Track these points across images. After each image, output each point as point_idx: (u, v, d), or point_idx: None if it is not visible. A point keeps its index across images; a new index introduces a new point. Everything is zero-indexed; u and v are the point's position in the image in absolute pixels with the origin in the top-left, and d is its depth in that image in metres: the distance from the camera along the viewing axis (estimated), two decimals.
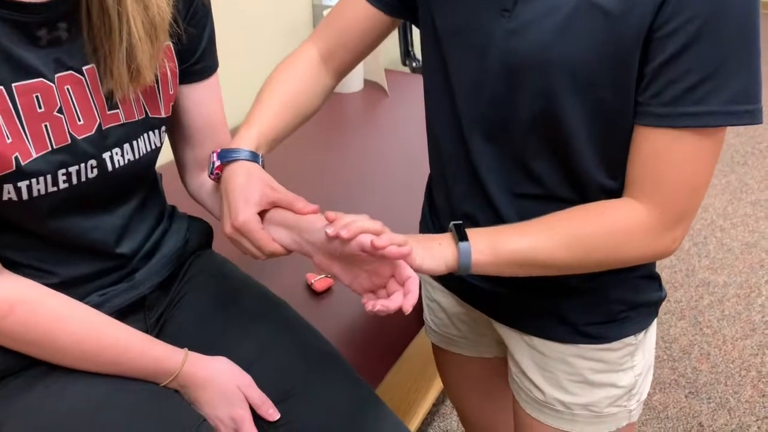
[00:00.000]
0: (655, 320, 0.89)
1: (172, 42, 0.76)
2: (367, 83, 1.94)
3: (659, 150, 0.69)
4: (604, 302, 0.82)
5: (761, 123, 0.68)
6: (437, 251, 0.70)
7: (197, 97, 0.84)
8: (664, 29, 0.62)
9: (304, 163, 1.53)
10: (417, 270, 0.68)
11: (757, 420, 1.78)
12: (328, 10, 1.80)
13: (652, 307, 0.86)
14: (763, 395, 1.86)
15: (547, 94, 0.69)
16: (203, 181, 0.88)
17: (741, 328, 2.13)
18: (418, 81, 2.03)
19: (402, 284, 0.66)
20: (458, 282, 0.88)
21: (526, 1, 0.69)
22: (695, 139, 0.67)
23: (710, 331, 2.12)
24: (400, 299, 0.64)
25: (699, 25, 0.61)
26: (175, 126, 0.84)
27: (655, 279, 0.86)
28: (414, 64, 2.23)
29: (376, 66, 1.90)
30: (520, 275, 0.75)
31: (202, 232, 0.92)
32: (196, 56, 0.81)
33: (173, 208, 0.90)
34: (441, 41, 0.77)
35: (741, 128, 3.56)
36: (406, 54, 2.24)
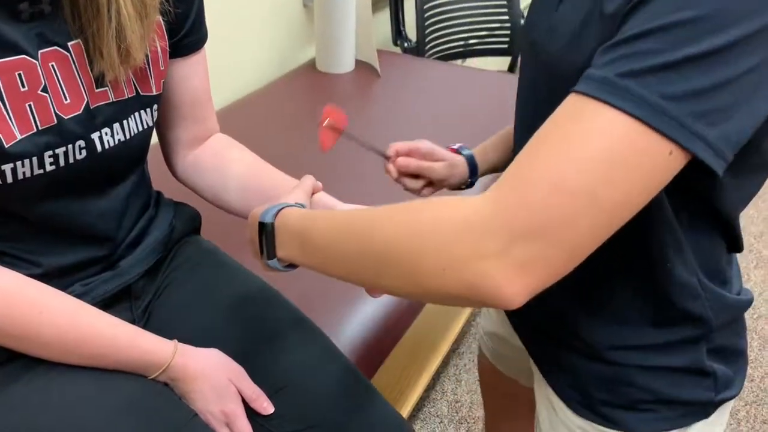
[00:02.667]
0: (713, 418, 0.70)
1: (162, 17, 0.72)
2: (359, 64, 1.90)
3: (549, 123, 0.50)
4: (626, 383, 0.67)
5: (684, 147, 0.49)
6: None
7: (184, 71, 0.80)
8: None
9: (293, 145, 1.50)
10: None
11: None
12: None
13: (694, 407, 0.68)
14: None
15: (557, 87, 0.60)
16: (192, 161, 0.85)
17: None
18: (410, 61, 2.02)
19: None
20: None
21: None
22: (597, 119, 0.47)
23: (754, 328, 1.94)
24: None
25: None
26: (160, 105, 0.80)
27: (707, 376, 0.67)
28: (406, 44, 2.19)
29: (368, 46, 1.85)
30: (332, 270, 0.60)
31: (188, 219, 0.89)
32: (184, 30, 0.77)
33: (159, 193, 0.87)
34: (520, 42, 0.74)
35: None
36: (398, 33, 2.19)
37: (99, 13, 0.63)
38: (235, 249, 0.96)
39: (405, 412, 1.47)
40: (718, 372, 0.67)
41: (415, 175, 0.88)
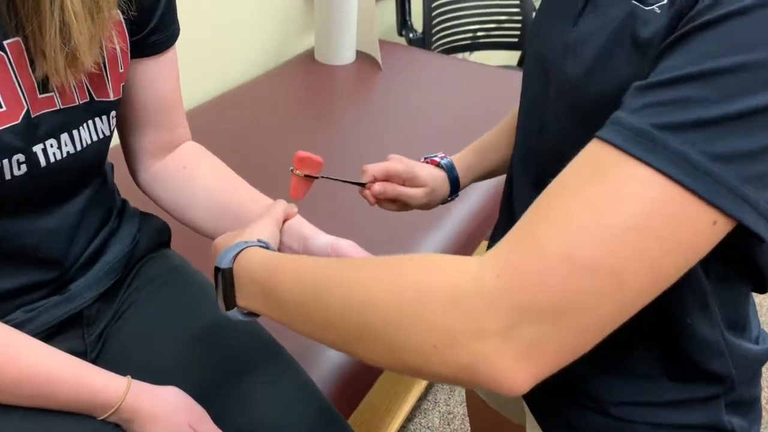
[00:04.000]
0: None
1: (121, 12, 0.63)
2: (360, 55, 1.80)
3: (569, 172, 0.43)
4: None
5: (740, 218, 0.41)
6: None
7: (149, 73, 0.71)
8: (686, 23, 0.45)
9: (290, 139, 1.41)
10: None
11: None
12: None
13: None
14: None
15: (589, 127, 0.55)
16: (156, 172, 0.76)
17: None
18: (415, 54, 1.92)
19: None
20: None
21: (589, 7, 0.55)
22: (629, 177, 0.39)
23: None
24: None
25: (716, 14, 0.41)
26: (122, 107, 0.71)
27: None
28: (411, 35, 2.09)
29: (369, 36, 1.76)
30: (297, 327, 0.52)
31: (155, 232, 0.80)
32: (150, 27, 0.67)
33: (124, 203, 0.78)
34: (525, 53, 0.67)
35: None
36: (403, 24, 2.09)
37: (39, 7, 0.54)
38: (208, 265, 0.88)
39: (396, 423, 1.41)
40: (736, 427, 0.61)
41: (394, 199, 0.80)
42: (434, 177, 0.82)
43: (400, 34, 2.12)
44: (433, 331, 0.41)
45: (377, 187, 0.77)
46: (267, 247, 0.60)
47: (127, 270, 0.75)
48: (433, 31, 2.14)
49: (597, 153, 0.41)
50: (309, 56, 1.79)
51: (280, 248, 0.67)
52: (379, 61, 1.74)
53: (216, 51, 1.59)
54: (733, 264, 0.54)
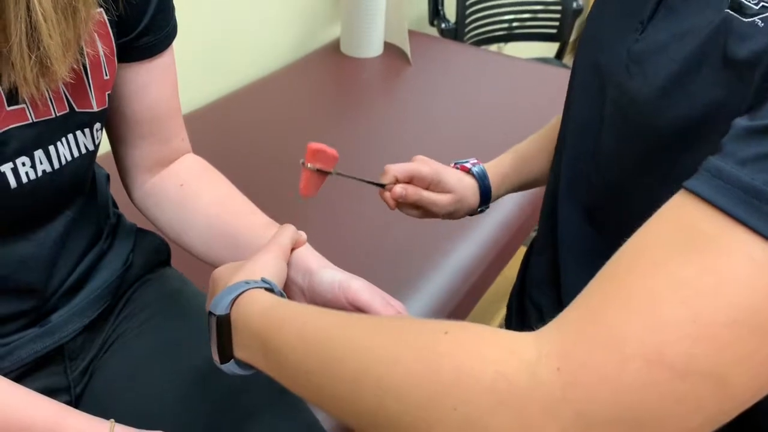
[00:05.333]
0: None
1: (105, 10, 0.55)
2: (388, 47, 1.71)
3: (655, 232, 0.34)
4: None
5: None
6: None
7: (141, 80, 0.62)
8: None
9: (312, 134, 1.33)
10: None
11: None
12: None
13: None
14: None
15: (656, 152, 0.46)
16: (151, 189, 0.68)
17: None
18: (446, 46, 1.82)
19: None
20: None
21: (660, 13, 0.47)
22: (731, 242, 0.31)
23: None
24: None
25: None
26: (110, 118, 0.63)
27: None
28: (443, 26, 1.98)
29: (398, 28, 1.66)
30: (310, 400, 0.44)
31: (153, 251, 0.72)
32: (140, 27, 0.59)
33: (119, 219, 0.70)
34: (575, 63, 0.59)
35: None
36: (435, 13, 1.99)
37: (3, 7, 0.46)
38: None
39: None
40: None
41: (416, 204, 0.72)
42: (463, 184, 0.74)
43: (432, 24, 2.02)
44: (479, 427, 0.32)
45: (398, 189, 0.69)
46: (272, 289, 0.51)
47: (118, 296, 0.68)
48: (467, 21, 2.03)
49: (691, 214, 0.32)
50: (335, 48, 1.70)
51: (286, 282, 0.59)
52: (409, 54, 1.65)
53: (239, 42, 1.51)
54: None
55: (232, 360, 0.50)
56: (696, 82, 0.42)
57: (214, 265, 0.66)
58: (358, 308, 0.56)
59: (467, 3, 2.00)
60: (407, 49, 1.65)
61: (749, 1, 0.40)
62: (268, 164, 1.22)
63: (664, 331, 0.30)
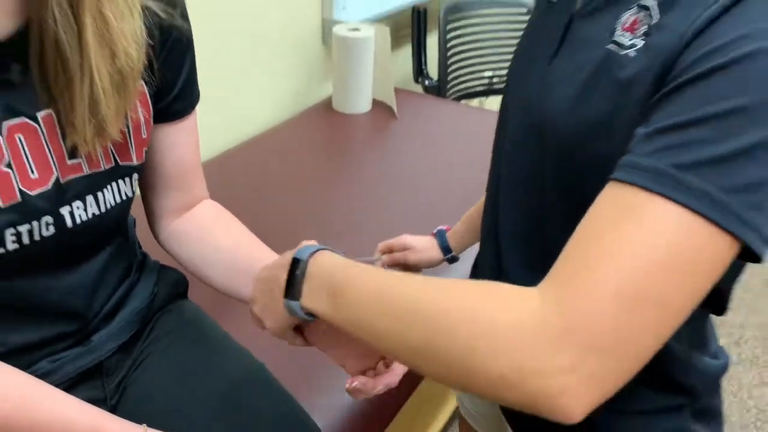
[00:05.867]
0: None
1: (145, 83, 0.68)
2: (376, 103, 1.85)
3: (601, 215, 0.48)
4: None
5: (747, 239, 0.47)
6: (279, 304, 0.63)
7: (170, 138, 0.75)
8: (676, 78, 0.50)
9: (308, 186, 1.46)
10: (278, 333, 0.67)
11: None
12: (338, 25, 1.72)
13: None
14: None
15: (565, 164, 0.60)
16: (175, 230, 0.80)
17: (758, 373, 2.02)
18: (430, 102, 1.97)
19: (387, 364, 0.68)
20: None
21: (565, 48, 0.62)
22: (655, 214, 0.45)
23: (725, 376, 2.02)
24: (382, 379, 0.66)
25: (707, 68, 0.48)
26: (143, 170, 0.75)
27: None
28: (427, 83, 2.14)
29: (385, 86, 1.81)
30: (371, 340, 0.55)
31: (173, 284, 0.84)
32: (171, 96, 0.72)
33: (144, 257, 0.82)
34: (504, 97, 0.74)
35: None
36: (419, 72, 2.15)
37: (71, 84, 0.58)
38: (226, 315, 0.92)
39: None
40: None
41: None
42: (425, 246, 1.04)
43: (417, 82, 2.18)
44: (501, 364, 0.45)
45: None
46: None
47: (145, 322, 0.79)
48: (449, 78, 2.19)
49: (622, 195, 0.47)
50: (327, 105, 1.84)
51: None
52: (395, 109, 1.79)
53: (237, 100, 1.65)
54: (712, 303, 0.59)
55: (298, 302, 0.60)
56: (593, 99, 0.56)
57: (229, 296, 0.78)
58: None
59: (449, 61, 2.17)
60: (394, 105, 1.80)
61: (623, 39, 0.55)
62: (268, 217, 1.34)
63: (619, 276, 0.44)
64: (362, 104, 1.80)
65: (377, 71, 1.80)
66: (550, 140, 0.62)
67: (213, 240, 0.79)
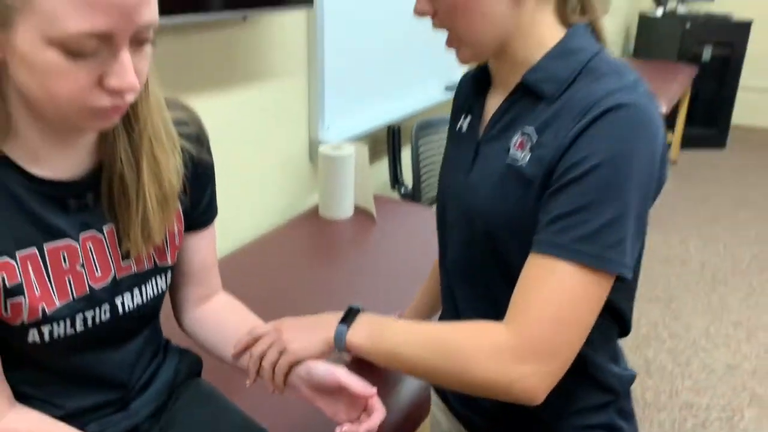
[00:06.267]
0: None
1: (180, 202, 0.89)
2: (357, 210, 2.08)
3: (530, 275, 0.76)
4: None
5: (613, 271, 0.74)
6: (322, 332, 0.87)
7: (195, 244, 0.96)
8: (555, 182, 0.77)
9: (298, 287, 1.64)
10: (307, 356, 0.88)
11: None
12: (323, 145, 1.98)
13: None
14: None
15: (493, 238, 0.85)
16: (196, 317, 0.99)
17: None
18: (406, 206, 2.21)
19: (366, 408, 0.86)
20: (454, 406, 1.03)
21: (478, 163, 0.88)
22: (561, 271, 0.73)
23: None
24: (365, 425, 0.84)
25: (575, 173, 0.75)
26: (172, 269, 0.95)
27: (619, 429, 0.91)
28: (402, 190, 2.39)
29: (365, 194, 2.05)
30: (394, 368, 0.83)
31: (191, 364, 1.01)
32: (198, 212, 0.93)
33: (167, 341, 1.00)
34: (440, 192, 0.99)
35: (721, 248, 3.70)
36: (395, 180, 2.40)
37: (129, 206, 0.79)
38: (234, 391, 1.09)
39: None
40: (624, 428, 0.92)
41: None
42: None
43: (393, 189, 2.43)
44: (489, 369, 0.75)
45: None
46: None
47: (170, 393, 0.96)
48: (422, 184, 2.44)
49: (540, 262, 0.76)
50: (314, 212, 2.07)
51: (291, 378, 0.89)
52: (374, 214, 2.02)
53: (237, 211, 1.87)
54: (607, 314, 0.85)
55: (345, 337, 0.85)
56: (505, 196, 0.81)
57: (242, 368, 0.95)
58: (344, 387, 0.85)
59: (421, 171, 2.43)
60: (373, 210, 2.03)
61: (517, 155, 0.81)
62: (263, 309, 1.52)
63: (548, 312, 0.74)
64: (345, 211, 2.03)
65: (357, 182, 2.04)
66: (478, 226, 0.86)
67: (227, 325, 0.98)
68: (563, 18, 0.84)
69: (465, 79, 1.00)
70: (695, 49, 5.22)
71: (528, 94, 0.83)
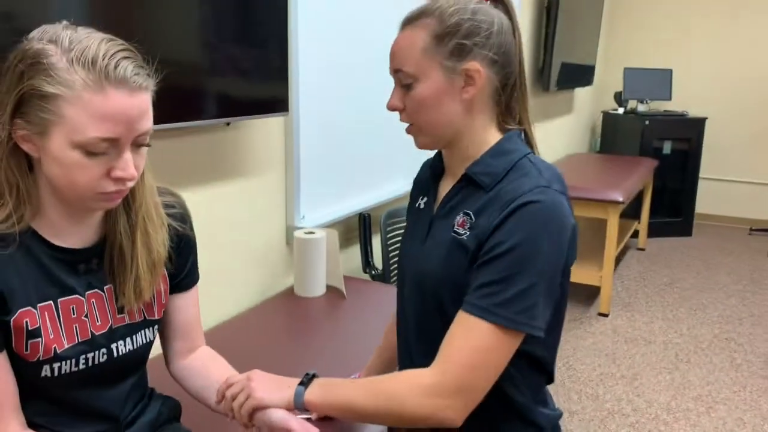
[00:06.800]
0: None
1: (166, 268, 1.12)
2: (329, 288, 2.30)
3: (455, 329, 0.99)
4: None
5: (522, 331, 0.97)
6: (285, 391, 1.07)
7: (180, 303, 1.18)
8: (482, 256, 1.01)
9: (274, 361, 1.83)
10: (267, 404, 1.07)
11: None
12: (298, 230, 2.22)
13: None
14: None
15: (440, 296, 1.08)
16: (183, 366, 1.20)
17: None
18: (376, 287, 2.43)
19: None
20: None
21: (431, 235, 1.12)
22: (479, 329, 0.96)
23: None
24: None
25: (496, 252, 0.99)
26: (162, 324, 1.17)
27: None
28: (373, 272, 2.62)
29: (336, 274, 2.27)
30: (349, 418, 1.05)
31: (172, 408, 1.21)
32: (182, 275, 1.16)
33: (152, 389, 1.20)
34: (400, 259, 1.23)
35: (684, 328, 3.89)
36: (366, 263, 2.63)
37: (125, 269, 1.02)
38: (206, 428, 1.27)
39: None
40: None
41: None
42: None
43: (365, 272, 2.65)
44: (419, 403, 0.97)
45: None
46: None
47: (154, 430, 1.15)
48: (391, 267, 2.67)
49: (465, 319, 0.98)
50: (290, 291, 2.28)
51: (255, 419, 1.09)
52: (344, 291, 2.24)
53: (218, 290, 2.09)
54: (531, 364, 1.07)
55: (303, 396, 1.05)
56: (449, 261, 1.03)
57: (220, 413, 1.14)
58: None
59: (390, 255, 2.66)
60: (343, 288, 2.24)
61: (459, 231, 1.04)
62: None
63: (465, 360, 0.96)
64: (318, 289, 2.25)
65: (329, 263, 2.27)
66: (429, 286, 1.09)
67: (209, 374, 1.18)
68: (502, 125, 1.11)
69: (424, 166, 1.26)
70: (656, 143, 5.63)
71: (471, 183, 1.08)
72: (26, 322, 0.93)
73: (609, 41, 6.46)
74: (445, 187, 1.13)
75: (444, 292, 1.06)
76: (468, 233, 1.03)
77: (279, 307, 2.17)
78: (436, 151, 1.17)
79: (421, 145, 1.11)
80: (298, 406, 1.05)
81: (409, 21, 1.05)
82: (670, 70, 5.80)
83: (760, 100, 6.00)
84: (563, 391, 3.16)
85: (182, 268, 1.16)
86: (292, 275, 2.37)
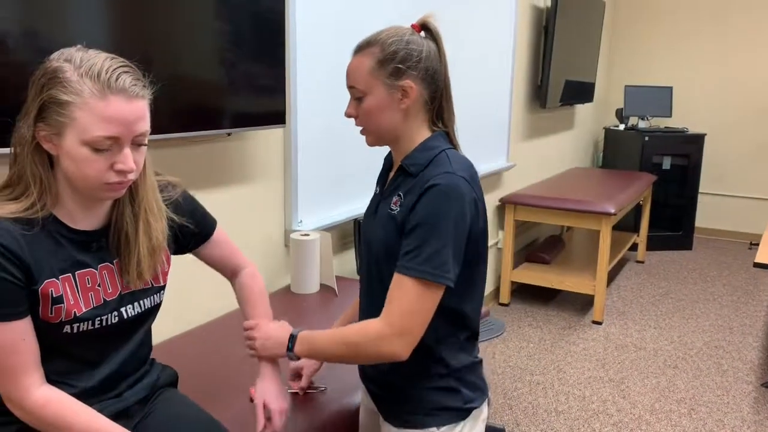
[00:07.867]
0: (469, 422, 1.40)
1: (167, 246, 1.31)
2: (323, 286, 2.50)
3: (393, 286, 1.24)
4: (418, 401, 1.37)
5: (440, 282, 1.21)
6: (279, 350, 1.38)
7: (207, 251, 1.45)
8: (406, 228, 1.26)
9: None
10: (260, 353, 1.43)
11: None
12: (294, 233, 2.42)
13: (453, 412, 1.37)
14: None
15: (379, 261, 1.32)
16: (233, 283, 1.54)
17: None
18: None
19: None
20: (363, 382, 1.51)
21: (377, 212, 1.37)
22: (409, 284, 1.22)
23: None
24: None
25: (413, 223, 1.24)
26: (208, 263, 1.48)
27: (456, 392, 1.37)
28: None
29: (328, 273, 2.46)
30: (327, 360, 1.32)
31: (169, 376, 1.40)
32: (195, 229, 1.38)
33: (153, 359, 1.39)
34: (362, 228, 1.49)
35: (675, 336, 4.02)
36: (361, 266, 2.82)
37: (129, 252, 1.22)
38: (199, 399, 1.46)
39: None
40: (463, 391, 1.37)
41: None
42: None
43: (358, 273, 2.83)
44: (373, 346, 1.25)
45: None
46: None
47: (152, 393, 1.34)
48: None
49: (400, 278, 1.25)
50: (287, 289, 2.48)
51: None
52: (336, 289, 2.43)
53: (221, 287, 2.28)
54: (451, 315, 1.31)
55: (292, 351, 1.32)
56: (386, 232, 1.28)
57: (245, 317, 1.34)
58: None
59: None
60: (335, 286, 2.43)
61: (394, 208, 1.30)
62: (243, 370, 1.89)
63: (403, 307, 1.24)
64: (312, 287, 2.44)
65: (322, 263, 2.46)
66: (373, 254, 1.34)
67: (241, 301, 1.49)
68: (431, 128, 1.38)
69: (384, 160, 1.54)
70: (655, 159, 5.78)
71: (404, 171, 1.35)
72: (51, 290, 1.13)
73: (610, 60, 6.65)
74: (391, 175, 1.42)
75: (382, 257, 1.33)
76: (398, 209, 1.30)
77: (277, 302, 2.36)
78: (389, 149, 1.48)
79: (370, 143, 1.40)
80: (291, 359, 1.39)
81: (360, 48, 1.35)
82: (671, 88, 5.96)
83: (758, 117, 6.13)
84: (551, 393, 3.30)
85: (188, 226, 1.37)
86: (289, 274, 2.57)
